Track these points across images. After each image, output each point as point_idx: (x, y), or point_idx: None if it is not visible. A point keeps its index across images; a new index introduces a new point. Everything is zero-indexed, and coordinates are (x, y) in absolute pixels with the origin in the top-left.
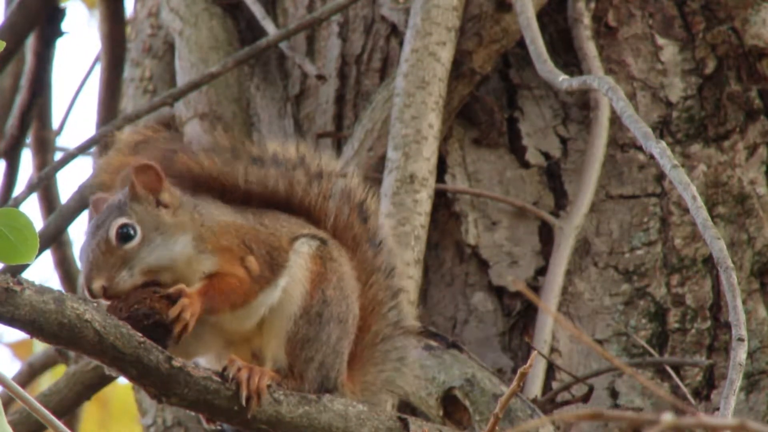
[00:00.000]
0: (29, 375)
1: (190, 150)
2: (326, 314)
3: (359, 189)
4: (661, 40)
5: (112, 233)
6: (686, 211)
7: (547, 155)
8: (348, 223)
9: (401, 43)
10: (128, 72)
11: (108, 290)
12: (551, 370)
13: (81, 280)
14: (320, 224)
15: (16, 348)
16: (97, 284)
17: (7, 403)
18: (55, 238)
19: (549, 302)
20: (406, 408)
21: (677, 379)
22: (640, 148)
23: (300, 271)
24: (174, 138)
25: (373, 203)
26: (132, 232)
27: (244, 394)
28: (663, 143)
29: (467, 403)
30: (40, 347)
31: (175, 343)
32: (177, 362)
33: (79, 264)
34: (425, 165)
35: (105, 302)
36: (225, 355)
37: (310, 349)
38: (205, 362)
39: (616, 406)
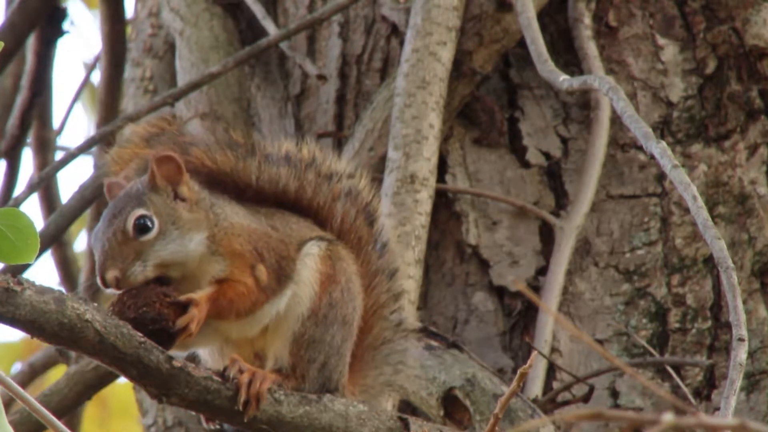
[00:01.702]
0: (29, 375)
1: (205, 144)
2: (332, 316)
3: (366, 191)
4: (661, 40)
5: (130, 224)
6: (687, 211)
7: (547, 155)
8: (354, 225)
9: (402, 43)
10: (129, 72)
11: (121, 282)
12: (552, 370)
13: (81, 275)
14: (327, 226)
15: None
16: (111, 274)
17: (8, 403)
18: (55, 238)
19: (549, 302)
20: (407, 408)
21: (678, 379)
22: (640, 148)
23: (309, 272)
24: (187, 131)
25: (379, 206)
26: (149, 224)
27: (242, 398)
28: (663, 143)
29: (468, 403)
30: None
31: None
32: (177, 362)
33: (89, 254)
34: (426, 165)
35: (115, 292)
36: (226, 351)
37: (314, 350)
38: (204, 355)
39: (616, 406)
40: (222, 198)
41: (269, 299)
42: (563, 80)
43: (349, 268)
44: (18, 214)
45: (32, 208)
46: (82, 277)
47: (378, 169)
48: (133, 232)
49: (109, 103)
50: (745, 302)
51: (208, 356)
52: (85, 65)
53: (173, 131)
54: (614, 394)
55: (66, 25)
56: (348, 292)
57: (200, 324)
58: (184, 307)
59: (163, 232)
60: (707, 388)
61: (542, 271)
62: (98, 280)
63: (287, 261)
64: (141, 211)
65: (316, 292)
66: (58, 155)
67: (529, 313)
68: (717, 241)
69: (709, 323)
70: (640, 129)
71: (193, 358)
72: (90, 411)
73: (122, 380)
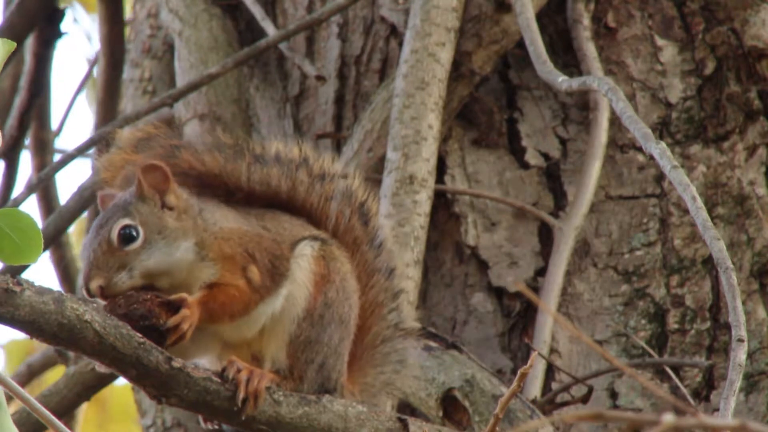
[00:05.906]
0: (27, 376)
1: (193, 147)
2: (328, 316)
3: (360, 191)
4: (660, 41)
5: (114, 234)
6: (686, 211)
7: (546, 156)
8: (349, 225)
9: (401, 44)
10: (128, 73)
11: (105, 290)
12: (551, 370)
13: (80, 278)
14: (321, 225)
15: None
16: (95, 284)
17: (7, 403)
18: (54, 239)
19: (548, 303)
20: (406, 409)
21: (677, 380)
22: (639, 149)
23: (303, 273)
24: (176, 135)
25: (374, 205)
26: (134, 233)
27: (241, 395)
28: (663, 144)
29: (467, 403)
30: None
31: (171, 346)
32: (177, 363)
33: (80, 263)
34: (425, 166)
35: (102, 302)
36: (225, 357)
37: (311, 350)
38: (205, 364)
39: (615, 406)
40: (211, 202)
41: (263, 299)
42: (562, 81)
43: (343, 267)
44: (20, 214)
45: (31, 210)
46: (81, 279)
47: (377, 170)
48: (117, 242)
49: (108, 104)
50: (744, 303)
51: (207, 363)
52: (88, 61)
53: (160, 135)
54: (613, 394)
55: (65, 26)
56: (343, 291)
57: (193, 326)
58: (176, 308)
59: (148, 242)
60: (706, 389)
61: (541, 271)
62: (83, 291)
63: (281, 260)
64: (126, 221)
65: (311, 292)
66: (57, 156)
67: (528, 314)
68: (716, 242)
69: (708, 324)
70: (639, 130)
71: None
72: (89, 412)
73: (121, 381)
